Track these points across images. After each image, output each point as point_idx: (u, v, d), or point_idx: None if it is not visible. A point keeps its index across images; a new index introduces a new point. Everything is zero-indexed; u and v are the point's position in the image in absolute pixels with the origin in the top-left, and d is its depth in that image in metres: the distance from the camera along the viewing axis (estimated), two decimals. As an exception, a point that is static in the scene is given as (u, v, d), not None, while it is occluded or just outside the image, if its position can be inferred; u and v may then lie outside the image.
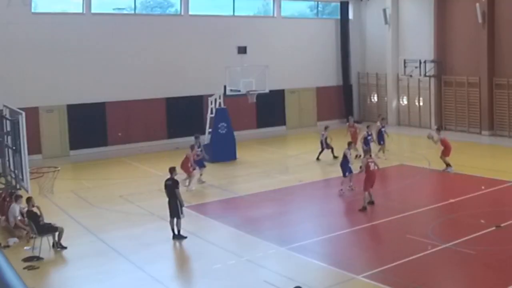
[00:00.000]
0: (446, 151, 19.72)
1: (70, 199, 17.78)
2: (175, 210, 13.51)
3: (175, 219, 13.51)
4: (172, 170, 13.96)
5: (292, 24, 32.24)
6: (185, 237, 13.46)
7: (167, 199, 13.76)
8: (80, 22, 25.54)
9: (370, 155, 16.43)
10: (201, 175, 19.26)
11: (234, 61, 24.50)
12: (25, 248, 13.01)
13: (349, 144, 17.93)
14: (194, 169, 18.56)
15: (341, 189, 17.25)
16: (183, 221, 13.59)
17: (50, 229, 13.01)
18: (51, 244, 12.96)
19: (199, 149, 19.27)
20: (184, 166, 18.23)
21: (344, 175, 17.33)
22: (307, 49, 32.21)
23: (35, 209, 13.27)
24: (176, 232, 13.49)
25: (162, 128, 27.90)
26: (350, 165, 17.33)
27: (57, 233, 13.02)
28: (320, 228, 14.89)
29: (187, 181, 18.29)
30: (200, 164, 19.27)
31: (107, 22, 26.30)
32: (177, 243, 13.35)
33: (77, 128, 25.48)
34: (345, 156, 17.42)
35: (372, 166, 15.64)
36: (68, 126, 25.47)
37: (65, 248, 12.96)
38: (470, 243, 12.29)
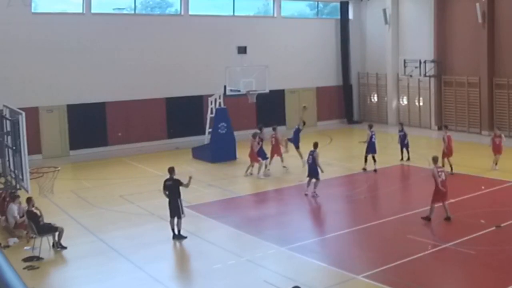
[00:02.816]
0: (449, 152, 19.63)
1: (70, 199, 17.79)
2: (176, 210, 13.52)
3: (175, 219, 13.52)
4: (171, 170, 13.93)
5: (292, 24, 32.22)
6: (185, 237, 13.47)
7: (167, 199, 13.75)
8: (80, 22, 25.54)
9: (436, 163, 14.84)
10: (266, 166, 20.25)
11: (234, 61, 24.48)
12: (25, 248, 13.02)
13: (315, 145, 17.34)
14: (267, 157, 20.22)
15: (314, 191, 17.01)
16: (183, 221, 13.60)
17: (50, 229, 13.03)
18: (51, 244, 12.97)
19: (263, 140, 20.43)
20: (251, 154, 20.02)
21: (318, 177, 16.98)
22: (307, 49, 32.19)
23: (34, 209, 13.28)
24: (176, 232, 13.50)
25: (162, 128, 27.91)
26: (318, 168, 16.95)
27: (57, 233, 13.03)
28: (320, 228, 14.92)
29: (250, 169, 20.11)
30: (263, 156, 20.17)
31: (107, 22, 26.30)
32: (177, 243, 13.36)
33: (77, 128, 25.48)
34: (313, 159, 17.01)
35: (443, 176, 14.26)
36: (68, 126, 25.48)
37: (65, 248, 12.97)
38: (470, 243, 12.30)
